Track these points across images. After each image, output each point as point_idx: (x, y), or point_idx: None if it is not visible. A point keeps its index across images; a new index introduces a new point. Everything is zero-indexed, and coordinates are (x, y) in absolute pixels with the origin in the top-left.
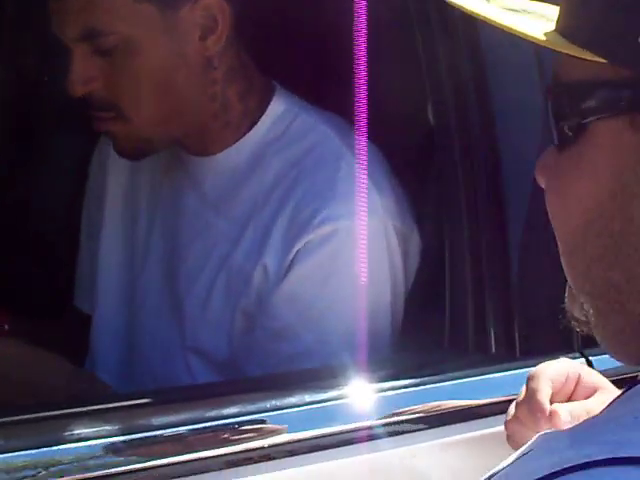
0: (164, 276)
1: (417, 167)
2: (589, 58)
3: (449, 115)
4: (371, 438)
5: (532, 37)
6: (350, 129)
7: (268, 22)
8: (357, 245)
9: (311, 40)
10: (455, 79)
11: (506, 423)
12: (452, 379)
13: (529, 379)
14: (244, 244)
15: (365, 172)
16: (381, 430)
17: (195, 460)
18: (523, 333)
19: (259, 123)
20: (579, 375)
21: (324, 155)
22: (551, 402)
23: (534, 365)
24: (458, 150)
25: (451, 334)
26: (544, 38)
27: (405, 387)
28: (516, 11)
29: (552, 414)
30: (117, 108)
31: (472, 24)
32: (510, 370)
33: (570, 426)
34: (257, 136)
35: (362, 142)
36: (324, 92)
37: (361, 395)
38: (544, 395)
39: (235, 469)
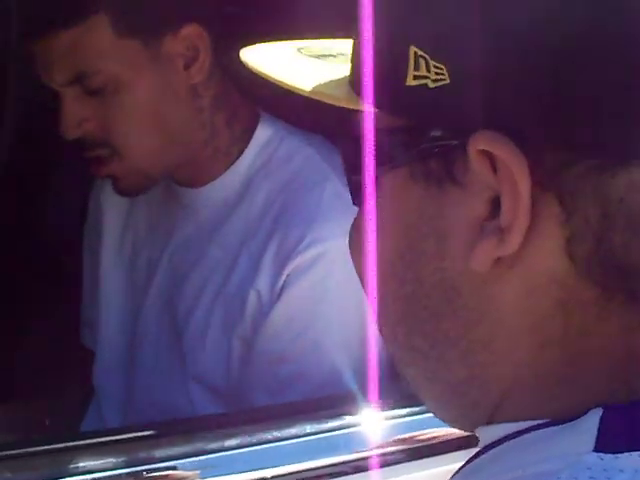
0: (164, 307)
1: None
2: (358, 108)
3: None
4: (374, 467)
5: (299, 89)
6: (335, 151)
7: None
8: (346, 265)
9: None
10: None
11: None
12: None
13: None
14: (238, 271)
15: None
16: (383, 459)
17: None
18: None
19: (246, 150)
20: None
21: (310, 177)
22: None
23: None
24: None
25: None
26: (313, 89)
27: (407, 415)
28: (331, 56)
29: None
30: (112, 145)
31: None
32: None
33: None
34: (245, 163)
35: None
36: (308, 115)
37: (362, 422)
38: None
39: None
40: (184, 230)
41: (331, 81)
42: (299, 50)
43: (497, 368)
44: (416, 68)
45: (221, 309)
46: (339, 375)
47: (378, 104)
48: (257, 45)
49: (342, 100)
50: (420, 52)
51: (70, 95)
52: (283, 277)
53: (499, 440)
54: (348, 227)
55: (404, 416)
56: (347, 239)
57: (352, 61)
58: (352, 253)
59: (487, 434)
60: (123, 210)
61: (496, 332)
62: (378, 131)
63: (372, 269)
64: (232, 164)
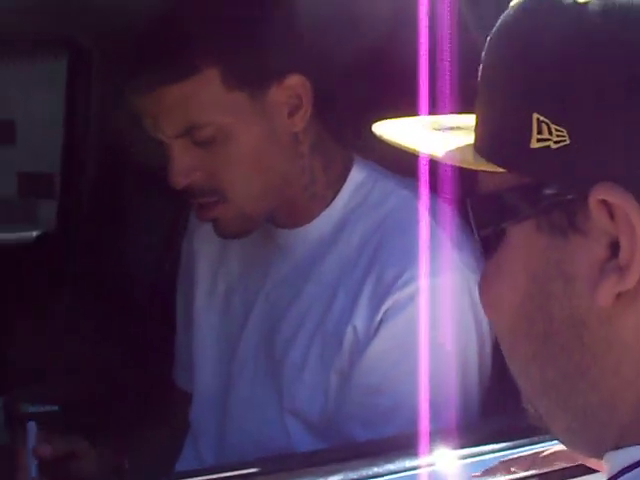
0: (261, 344)
1: None
2: (492, 170)
3: None
4: None
5: (433, 155)
6: (428, 192)
7: (344, 95)
8: (443, 301)
9: (385, 109)
10: None
11: None
12: (541, 442)
13: None
14: (335, 308)
15: (444, 231)
16: None
17: None
18: None
19: (341, 192)
20: None
21: (405, 217)
22: None
23: None
24: None
25: None
26: (445, 155)
27: (494, 452)
28: (450, 128)
29: None
30: (219, 192)
31: None
32: None
33: None
34: (341, 204)
35: (438, 204)
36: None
37: (450, 461)
38: None
39: None
40: (280, 269)
41: (458, 147)
42: (423, 124)
43: (626, 392)
44: (539, 132)
45: (319, 344)
46: (433, 409)
47: (506, 165)
48: (385, 120)
49: (472, 163)
50: (542, 118)
51: (179, 146)
52: (381, 313)
53: (634, 464)
54: (442, 265)
55: (497, 451)
56: (442, 277)
57: (477, 129)
58: (482, 300)
59: (617, 459)
60: (215, 252)
61: (623, 359)
62: (505, 189)
63: (501, 310)
64: (327, 206)
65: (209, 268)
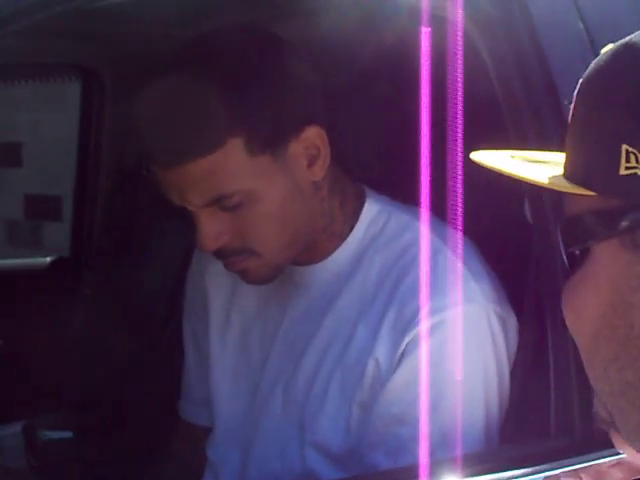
0: (282, 380)
1: (512, 255)
2: (583, 193)
3: (545, 203)
4: None
5: (538, 182)
6: (442, 224)
7: (354, 135)
8: (462, 332)
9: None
10: None
11: None
12: (559, 467)
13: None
14: (356, 341)
15: (462, 262)
16: None
17: None
18: None
19: (357, 226)
20: None
21: (422, 251)
22: None
23: None
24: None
25: (557, 420)
26: (548, 181)
27: (513, 478)
28: (537, 162)
29: None
30: (249, 250)
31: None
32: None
33: None
34: (356, 239)
35: (455, 235)
36: (413, 191)
37: None
38: None
39: None
40: (298, 306)
41: (549, 176)
42: (512, 156)
43: None
44: (627, 161)
45: (340, 378)
46: (455, 438)
47: (597, 189)
48: (481, 151)
49: (568, 187)
50: (631, 149)
51: (206, 214)
52: (402, 346)
53: None
54: (461, 297)
55: (518, 477)
56: (461, 308)
57: (569, 160)
58: (566, 309)
59: None
60: (228, 287)
61: None
62: (594, 211)
63: (585, 319)
64: (344, 241)
65: (222, 304)
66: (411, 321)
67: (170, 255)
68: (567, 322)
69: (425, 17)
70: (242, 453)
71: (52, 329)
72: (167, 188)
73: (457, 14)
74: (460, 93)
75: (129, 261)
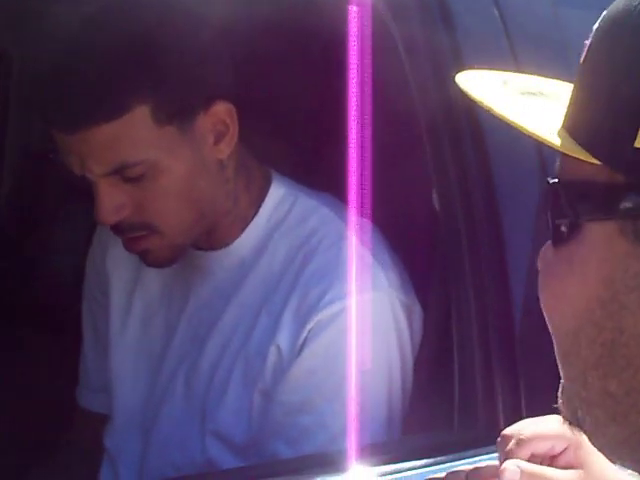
0: (185, 366)
1: (419, 244)
2: (585, 159)
3: (453, 194)
4: None
5: (533, 133)
6: (350, 210)
7: (262, 113)
8: (366, 320)
9: (307, 126)
10: (459, 166)
11: None
12: (462, 459)
13: (505, 441)
14: (259, 328)
15: (368, 250)
16: None
17: None
18: (530, 407)
19: (261, 210)
20: (567, 447)
21: (327, 236)
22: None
23: None
24: (462, 221)
25: (460, 411)
26: (546, 134)
27: (415, 469)
28: (532, 94)
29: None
30: (149, 226)
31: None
32: None
33: None
34: (261, 222)
35: (362, 222)
36: (322, 175)
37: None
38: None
39: None
40: (202, 292)
41: (545, 122)
42: (505, 83)
43: None
44: None
45: (242, 366)
46: (356, 426)
47: (604, 158)
48: (469, 73)
49: (570, 149)
50: None
51: (107, 184)
52: (305, 333)
53: None
54: (366, 284)
55: (418, 468)
56: (365, 296)
57: (572, 110)
58: (543, 292)
59: None
60: (130, 272)
61: None
62: (594, 182)
63: (567, 309)
64: (247, 226)
65: (124, 288)
66: (314, 307)
67: (74, 239)
68: (543, 306)
69: None
70: (142, 441)
71: None
72: (68, 155)
73: None
74: (370, 79)
75: (33, 244)
